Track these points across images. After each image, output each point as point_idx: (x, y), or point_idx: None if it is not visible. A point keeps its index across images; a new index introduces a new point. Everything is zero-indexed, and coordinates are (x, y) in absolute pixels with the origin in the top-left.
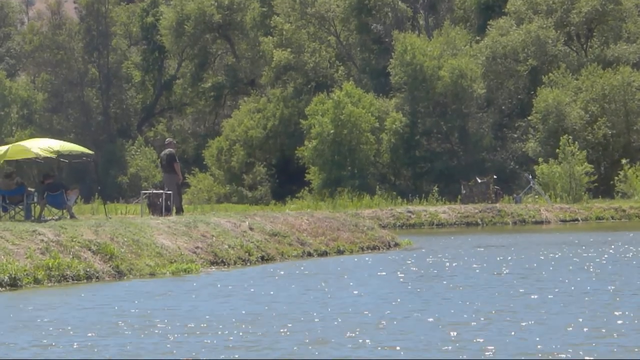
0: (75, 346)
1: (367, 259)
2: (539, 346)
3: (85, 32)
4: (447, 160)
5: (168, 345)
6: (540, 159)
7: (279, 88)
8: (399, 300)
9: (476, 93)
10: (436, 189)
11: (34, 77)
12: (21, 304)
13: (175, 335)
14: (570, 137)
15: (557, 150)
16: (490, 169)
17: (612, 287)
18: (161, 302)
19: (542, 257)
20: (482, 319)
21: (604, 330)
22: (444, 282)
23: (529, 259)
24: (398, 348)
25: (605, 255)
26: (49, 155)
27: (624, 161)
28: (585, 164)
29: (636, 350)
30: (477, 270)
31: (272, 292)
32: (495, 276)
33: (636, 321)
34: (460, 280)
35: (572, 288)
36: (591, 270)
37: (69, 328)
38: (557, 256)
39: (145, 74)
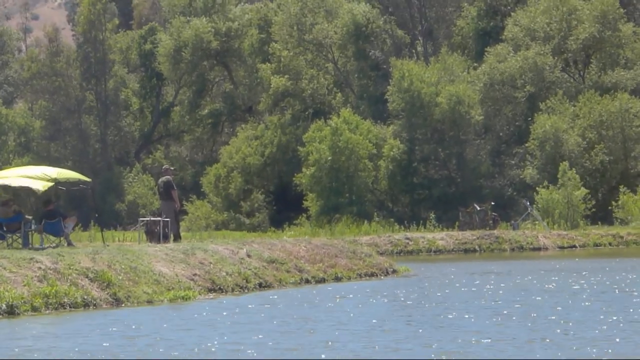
0: None
1: (363, 286)
2: None
3: (83, 59)
4: (445, 187)
5: None
6: (543, 184)
7: (276, 115)
8: (390, 328)
9: (474, 119)
10: (433, 215)
11: (31, 105)
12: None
13: None
14: (568, 163)
15: (558, 176)
16: (488, 196)
17: (605, 316)
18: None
19: (537, 285)
20: (474, 347)
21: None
22: (439, 310)
23: (523, 287)
24: None
25: (600, 283)
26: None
27: (621, 188)
28: (582, 189)
29: None
30: (471, 298)
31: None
32: (489, 304)
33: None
34: (454, 307)
35: (565, 316)
36: (585, 297)
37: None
38: (552, 284)
39: (143, 101)
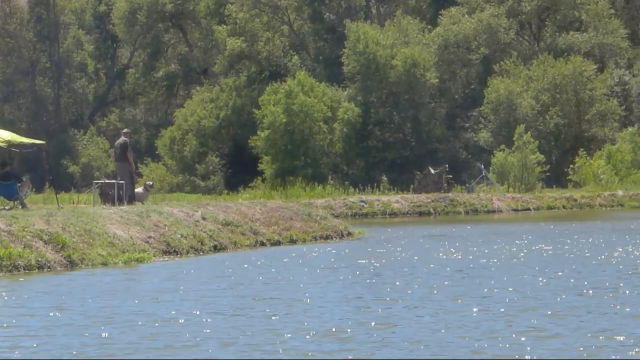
0: None
1: (316, 249)
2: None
3: (36, 21)
4: (400, 150)
5: None
6: (498, 147)
7: (232, 77)
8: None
9: (429, 82)
10: (385, 178)
11: None
12: None
13: None
14: (524, 126)
15: (514, 139)
16: (443, 159)
17: (543, 279)
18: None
19: (487, 249)
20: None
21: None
22: (384, 275)
23: (478, 250)
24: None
25: (544, 247)
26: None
27: (580, 152)
28: (537, 153)
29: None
30: (418, 263)
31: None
32: (434, 269)
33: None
34: (402, 273)
35: (512, 281)
36: (531, 262)
37: None
38: (496, 247)
39: (97, 63)
